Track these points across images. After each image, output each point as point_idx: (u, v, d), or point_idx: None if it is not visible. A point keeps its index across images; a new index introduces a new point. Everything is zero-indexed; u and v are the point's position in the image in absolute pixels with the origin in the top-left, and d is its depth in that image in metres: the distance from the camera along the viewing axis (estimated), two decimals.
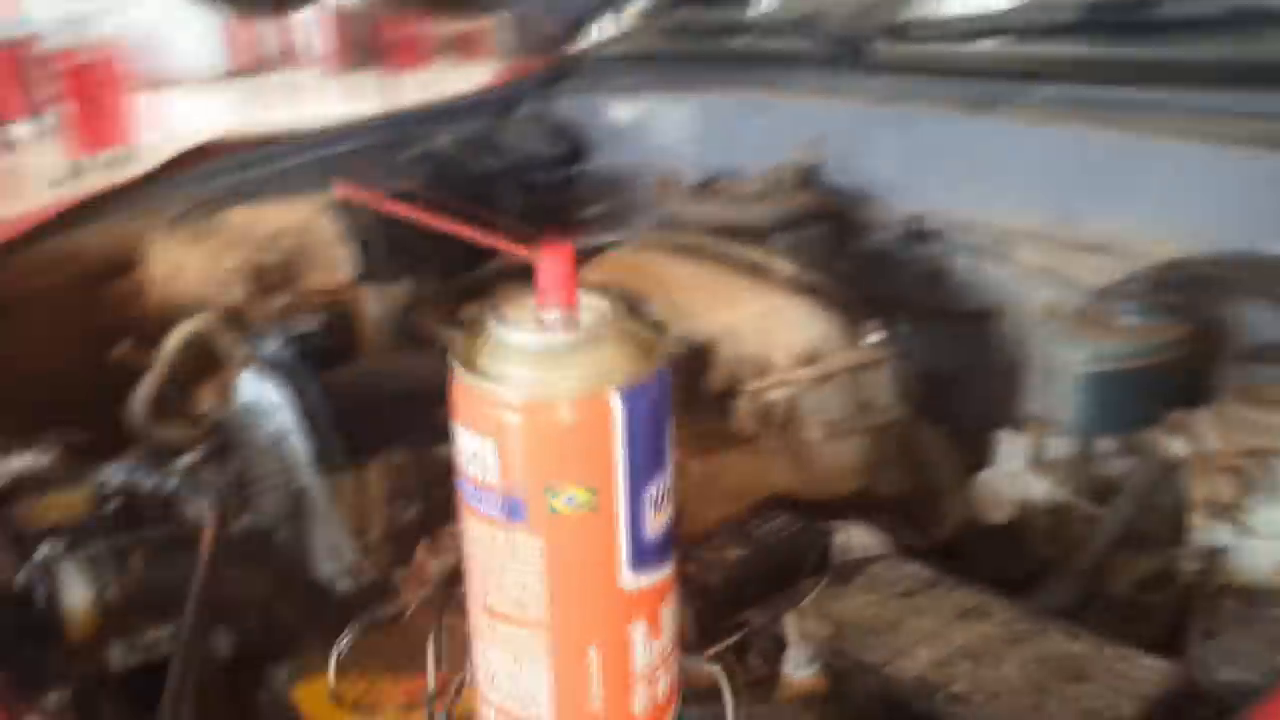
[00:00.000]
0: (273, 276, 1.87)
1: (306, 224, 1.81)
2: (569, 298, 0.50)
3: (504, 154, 2.25)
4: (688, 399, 1.55)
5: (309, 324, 1.45)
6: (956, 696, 0.78)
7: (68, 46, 12.43)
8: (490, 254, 1.92)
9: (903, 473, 1.45)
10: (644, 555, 0.49)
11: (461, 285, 1.78)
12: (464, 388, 0.48)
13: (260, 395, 1.36)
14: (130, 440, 1.62)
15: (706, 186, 1.84)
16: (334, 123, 2.47)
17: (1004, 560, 1.25)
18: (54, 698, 0.83)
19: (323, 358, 1.45)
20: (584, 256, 1.75)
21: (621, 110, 2.13)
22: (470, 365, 0.49)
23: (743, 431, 1.39)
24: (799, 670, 0.82)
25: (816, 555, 1.01)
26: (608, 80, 2.23)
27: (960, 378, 1.51)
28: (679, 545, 1.02)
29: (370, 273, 1.77)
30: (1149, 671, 0.77)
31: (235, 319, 1.73)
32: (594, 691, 0.50)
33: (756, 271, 1.59)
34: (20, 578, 0.93)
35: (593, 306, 0.50)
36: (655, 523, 0.49)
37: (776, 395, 1.37)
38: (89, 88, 11.52)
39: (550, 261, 0.50)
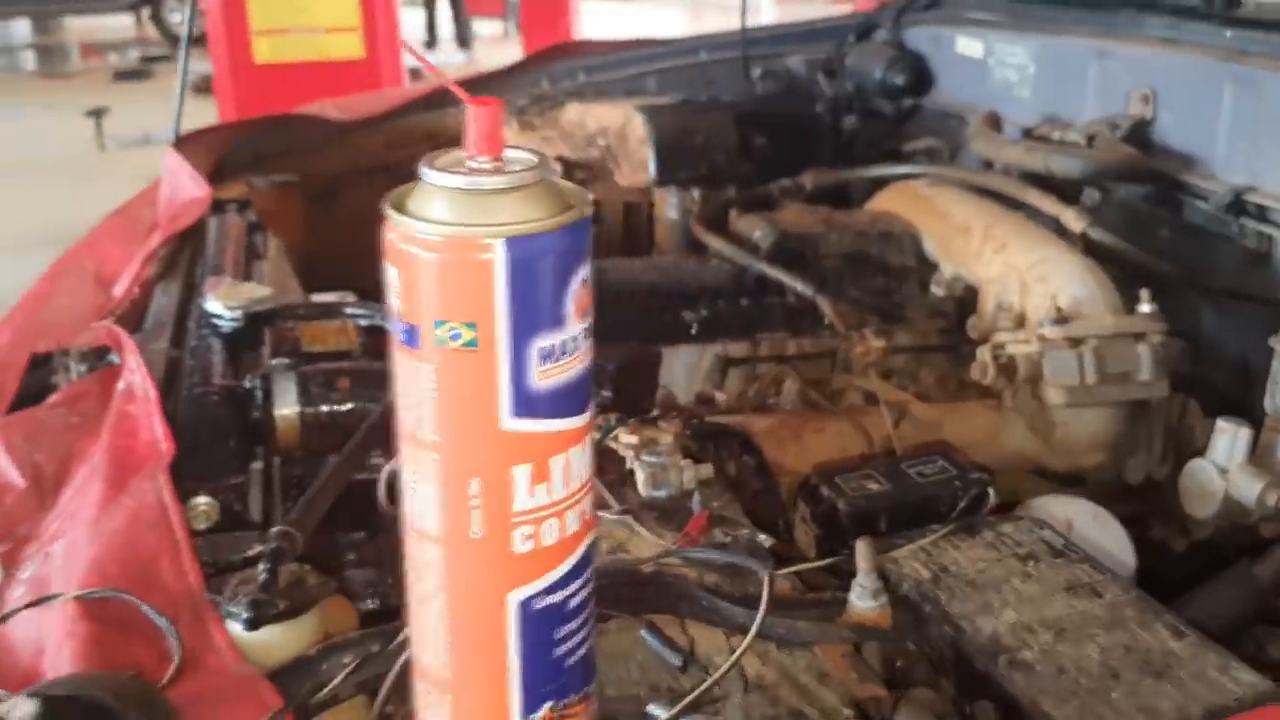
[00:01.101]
0: (588, 171, 1.97)
1: (624, 124, 1.88)
2: (493, 147, 0.51)
3: (850, 78, 2.22)
4: (948, 344, 1.50)
5: None
6: (1020, 663, 0.73)
7: None
8: (777, 170, 1.92)
9: (1161, 458, 1.34)
10: (529, 404, 0.51)
11: (744, 198, 1.79)
12: (386, 222, 0.52)
13: None
14: None
15: (1032, 131, 1.74)
16: (690, 34, 2.54)
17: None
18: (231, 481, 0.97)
19: None
20: (880, 184, 1.71)
21: (966, 45, 2.03)
22: (398, 205, 0.52)
23: (982, 384, 1.33)
24: (862, 600, 0.80)
25: (966, 504, 0.96)
26: (960, 13, 2.13)
27: (1232, 364, 1.36)
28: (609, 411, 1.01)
29: (667, 177, 1.82)
30: (1239, 685, 0.68)
31: None
32: (474, 522, 0.52)
33: (1043, 223, 1.50)
34: (248, 382, 1.08)
35: (522, 161, 0.51)
36: (542, 375, 0.50)
37: (1021, 350, 1.29)
38: None
39: (479, 112, 0.51)
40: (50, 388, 1.27)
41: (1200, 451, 1.15)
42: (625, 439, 1.01)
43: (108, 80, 12.05)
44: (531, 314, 0.49)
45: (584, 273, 0.52)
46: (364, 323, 1.28)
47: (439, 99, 2.32)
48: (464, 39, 16.06)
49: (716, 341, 1.47)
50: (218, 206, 1.77)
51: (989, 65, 1.94)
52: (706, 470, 1.00)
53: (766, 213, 1.62)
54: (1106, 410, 1.30)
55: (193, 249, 1.60)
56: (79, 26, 15.49)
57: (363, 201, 2.23)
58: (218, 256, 1.53)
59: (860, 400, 1.37)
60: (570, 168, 1.94)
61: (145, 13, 13.21)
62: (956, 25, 2.08)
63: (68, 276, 1.76)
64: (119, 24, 15.13)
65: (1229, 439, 1.07)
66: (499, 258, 0.48)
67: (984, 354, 1.31)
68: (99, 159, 7.43)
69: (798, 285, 1.45)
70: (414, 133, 2.34)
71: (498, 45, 14.87)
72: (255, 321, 1.23)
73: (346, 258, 1.92)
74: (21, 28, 16.67)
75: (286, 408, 1.07)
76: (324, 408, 1.07)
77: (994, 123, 1.78)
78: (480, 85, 2.38)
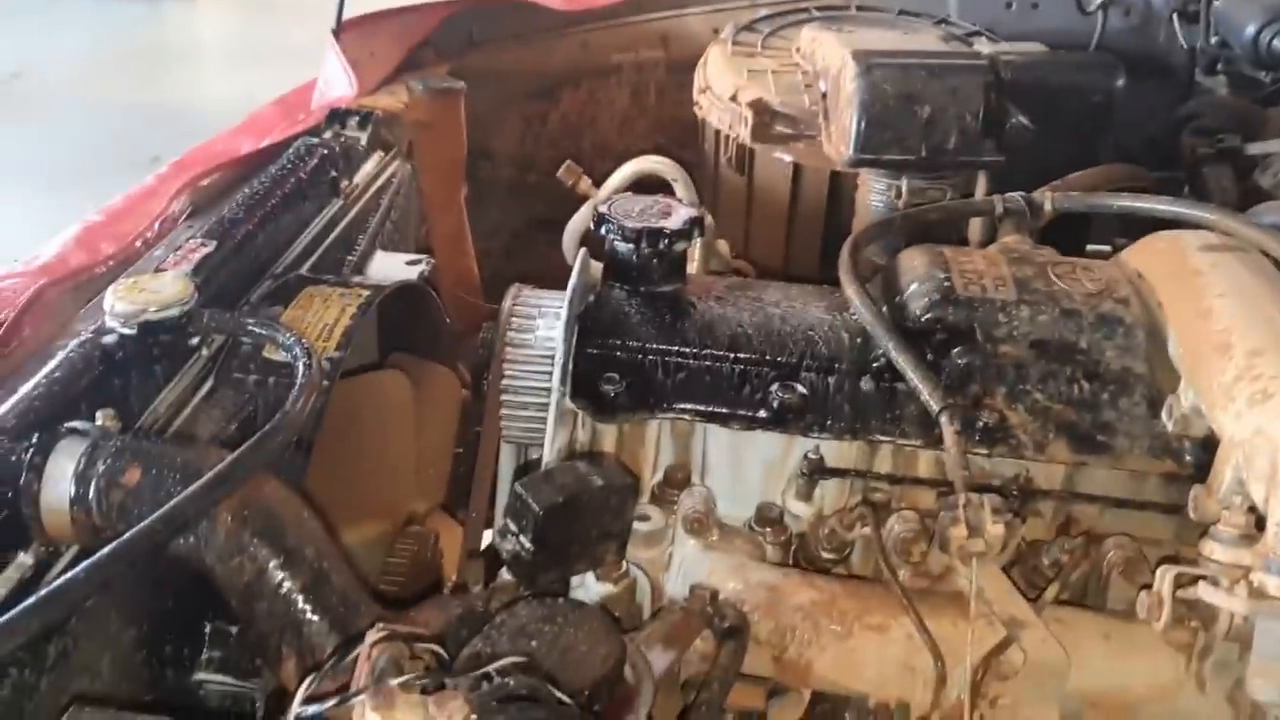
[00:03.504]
0: (791, 125, 1.51)
1: (839, 72, 1.40)
2: None
3: (1221, 29, 1.59)
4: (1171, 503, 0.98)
5: (675, 219, 1.09)
6: None
7: None
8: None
9: None
10: None
11: (942, 212, 1.28)
12: None
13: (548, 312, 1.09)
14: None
15: None
16: None
17: None
18: None
19: (672, 270, 1.10)
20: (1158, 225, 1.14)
21: None
22: None
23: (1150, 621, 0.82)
24: None
25: None
26: None
27: None
28: None
29: (871, 156, 1.33)
30: None
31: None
32: None
33: None
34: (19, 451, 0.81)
35: None
36: None
37: (1221, 599, 0.77)
38: None
39: None
40: None
41: None
42: None
43: None
44: None
45: None
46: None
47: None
48: None
49: (810, 435, 1.03)
50: (334, 118, 1.49)
51: None
52: None
53: (949, 249, 1.11)
54: None
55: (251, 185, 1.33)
56: None
57: (583, 105, 1.91)
58: (255, 200, 1.25)
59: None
60: (766, 118, 1.49)
61: None
62: None
63: (175, 174, 1.56)
64: None
65: None
66: None
67: (1163, 581, 0.80)
68: None
69: (921, 390, 0.96)
70: (648, 34, 1.96)
71: None
72: (152, 334, 0.95)
73: (558, 168, 1.62)
74: None
75: (55, 498, 0.78)
76: (106, 503, 0.78)
77: None
78: None
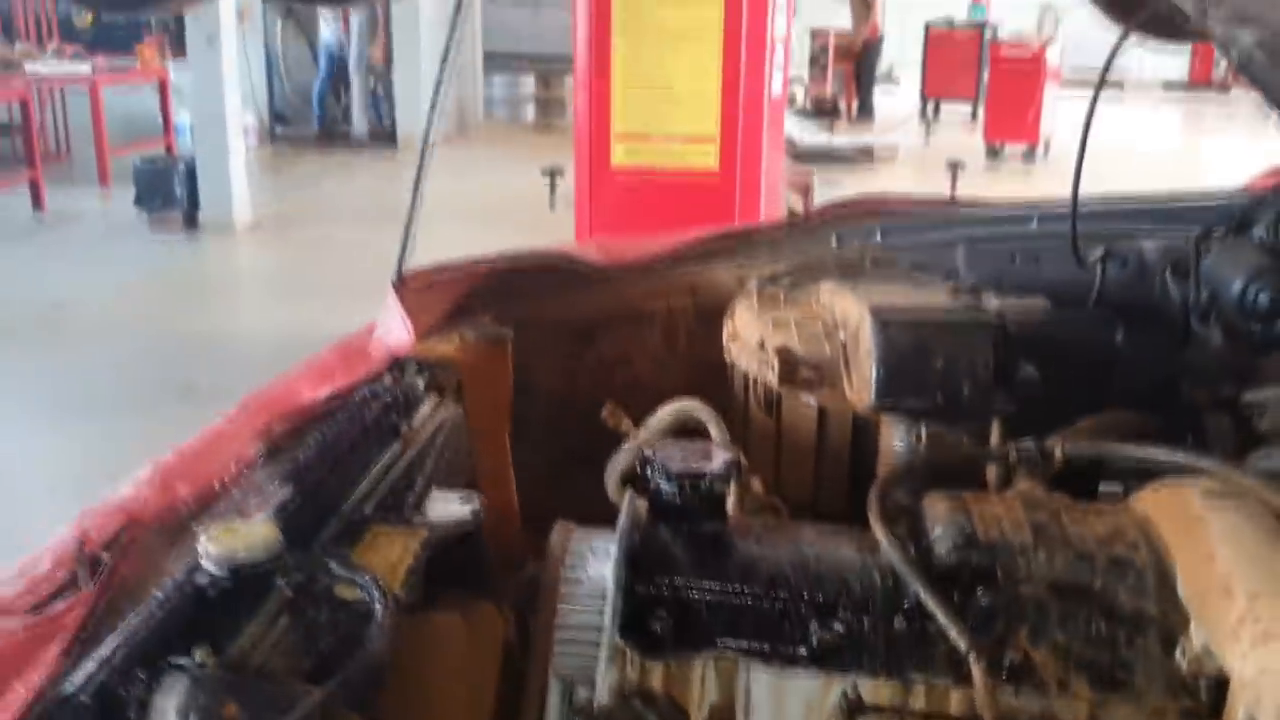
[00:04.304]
0: (815, 371, 1.63)
1: (858, 326, 1.53)
2: None
3: (1210, 284, 1.71)
4: None
5: (716, 462, 1.20)
6: None
7: (1011, 39, 12.79)
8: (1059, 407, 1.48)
9: None
10: None
11: (963, 457, 1.38)
12: None
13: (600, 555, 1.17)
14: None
15: None
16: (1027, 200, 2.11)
17: None
18: None
19: (714, 510, 1.19)
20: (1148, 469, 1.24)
21: None
22: None
23: None
24: None
25: None
26: None
27: None
28: None
29: (891, 403, 1.45)
30: None
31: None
32: None
33: None
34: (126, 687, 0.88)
35: None
36: None
37: None
38: (1011, 80, 11.77)
39: None
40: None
41: None
42: None
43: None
44: None
45: None
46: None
47: (706, 251, 2.08)
48: (865, 106, 15.67)
49: (848, 673, 1.10)
50: (395, 367, 1.62)
51: None
52: None
53: (970, 495, 1.20)
54: None
55: (324, 430, 1.44)
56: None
57: (618, 347, 2.04)
58: (325, 446, 1.36)
59: None
60: (793, 364, 1.61)
61: None
62: None
63: (244, 417, 1.67)
64: None
65: None
66: None
67: None
68: (547, 216, 7.84)
69: (950, 630, 1.04)
70: (678, 284, 2.11)
71: (964, 128, 14.39)
72: (249, 581, 1.04)
73: (593, 405, 1.73)
74: (529, 82, 18.44)
75: None
76: None
77: None
78: (757, 241, 2.11)
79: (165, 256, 8.46)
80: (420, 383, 1.61)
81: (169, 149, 11.40)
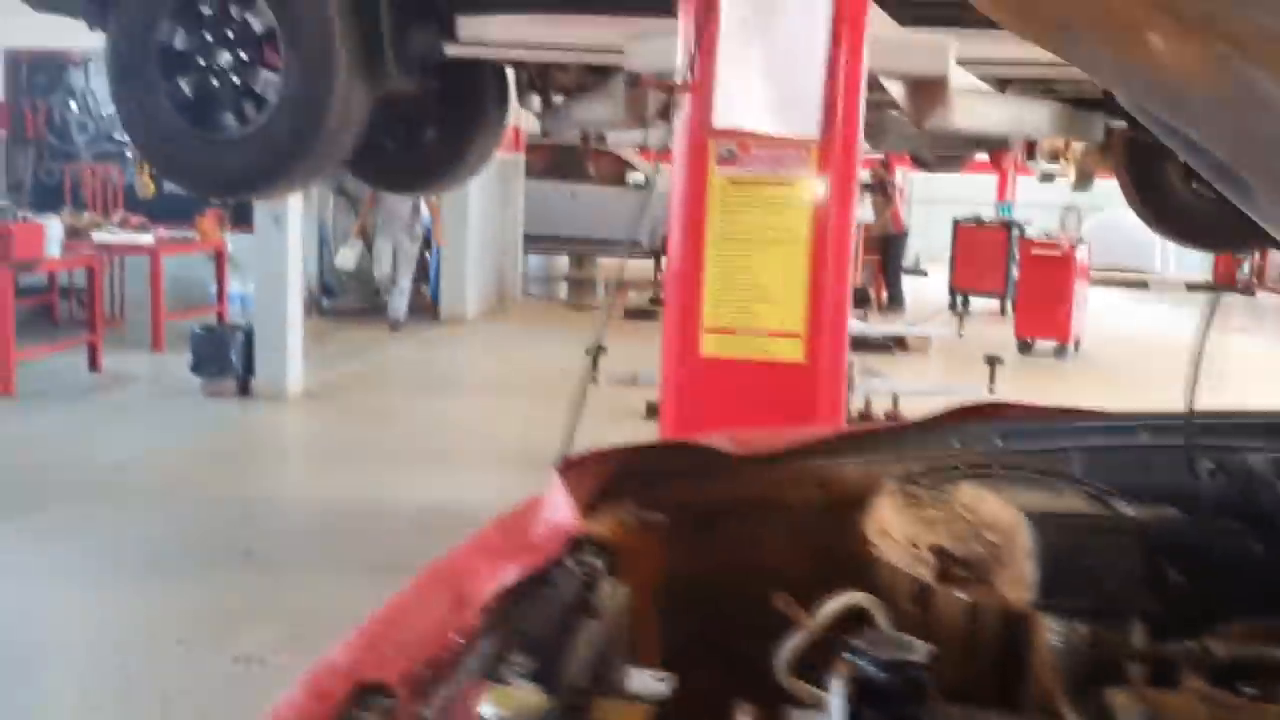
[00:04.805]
0: (968, 569, 1.76)
1: (1013, 527, 1.66)
2: None
3: None
4: None
5: (918, 651, 1.32)
6: None
7: (1040, 237, 13.23)
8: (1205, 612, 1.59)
9: None
10: None
11: (1130, 655, 1.49)
12: None
13: None
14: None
15: None
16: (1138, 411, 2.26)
17: None
18: None
19: (920, 696, 1.31)
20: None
21: None
22: None
23: None
24: None
25: None
26: None
27: None
28: None
29: (1049, 602, 1.57)
30: None
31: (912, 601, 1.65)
32: None
33: None
34: None
35: None
36: None
37: None
38: (1042, 277, 12.14)
39: None
40: None
41: None
42: None
43: (619, 316, 13.28)
44: None
45: None
46: None
47: (836, 447, 2.23)
48: (895, 297, 16.07)
49: None
50: (576, 546, 1.76)
51: None
52: None
53: (1151, 694, 1.32)
54: None
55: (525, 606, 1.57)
56: (607, 264, 17.42)
57: (746, 534, 2.16)
58: (539, 627, 1.49)
59: None
60: (947, 562, 1.74)
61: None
62: None
63: (430, 588, 1.79)
64: (641, 265, 16.76)
65: None
66: None
67: None
68: (589, 390, 8.06)
69: None
70: (806, 476, 2.25)
71: (993, 321, 14.73)
72: None
73: (715, 589, 1.84)
74: (562, 262, 19.01)
75: None
76: None
77: None
78: (880, 439, 2.26)
79: (221, 422, 8.67)
80: (600, 563, 1.74)
81: (220, 316, 11.77)
